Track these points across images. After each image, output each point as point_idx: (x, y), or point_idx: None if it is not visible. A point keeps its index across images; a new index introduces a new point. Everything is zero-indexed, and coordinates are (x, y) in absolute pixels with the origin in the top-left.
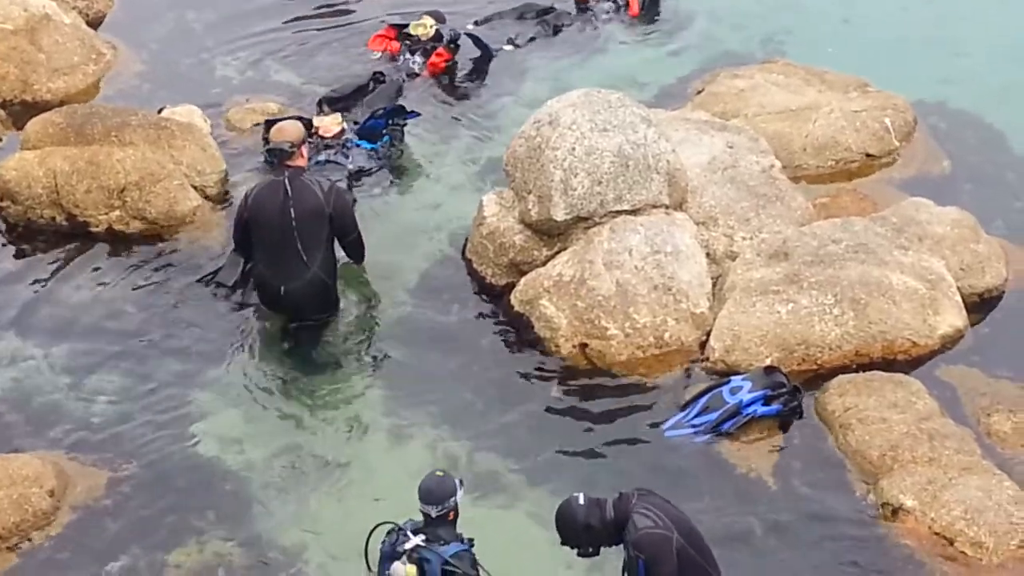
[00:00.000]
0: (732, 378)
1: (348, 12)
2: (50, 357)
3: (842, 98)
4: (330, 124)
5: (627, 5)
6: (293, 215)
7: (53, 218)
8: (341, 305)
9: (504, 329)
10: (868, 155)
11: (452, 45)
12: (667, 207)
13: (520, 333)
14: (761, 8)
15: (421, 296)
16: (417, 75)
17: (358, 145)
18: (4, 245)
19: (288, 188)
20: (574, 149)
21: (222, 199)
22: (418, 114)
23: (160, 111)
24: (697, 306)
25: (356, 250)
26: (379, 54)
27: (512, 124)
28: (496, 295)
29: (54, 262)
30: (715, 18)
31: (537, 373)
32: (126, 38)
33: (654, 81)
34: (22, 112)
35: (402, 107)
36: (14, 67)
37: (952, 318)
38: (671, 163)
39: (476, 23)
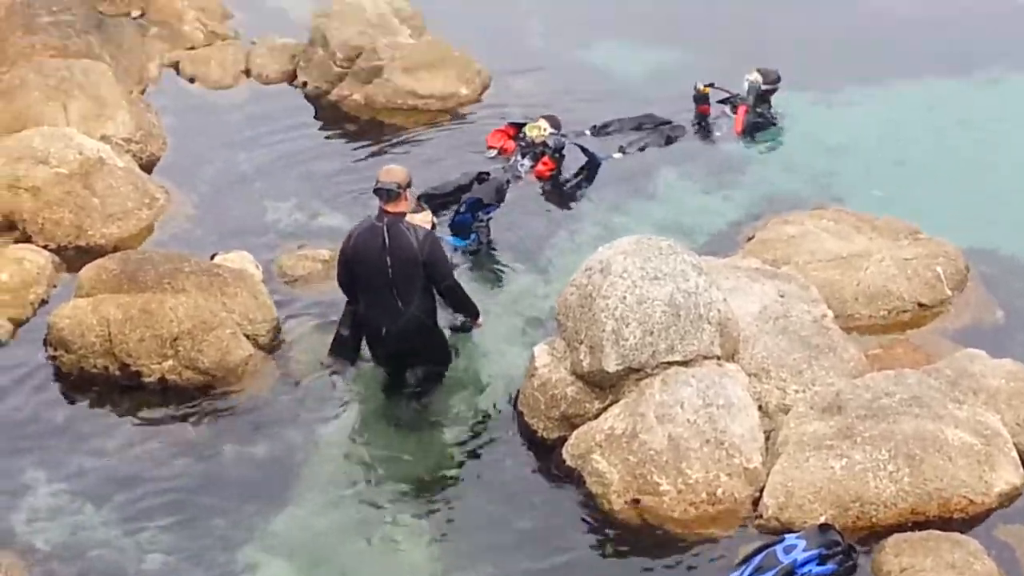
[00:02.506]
0: (786, 536)
1: (394, 155)
2: (103, 510)
3: (893, 245)
4: (420, 221)
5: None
6: (389, 262)
7: (106, 368)
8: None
9: (556, 483)
10: (920, 304)
11: (557, 154)
12: (719, 358)
13: (572, 488)
14: (810, 152)
15: (472, 449)
16: (521, 178)
17: (449, 242)
18: (58, 395)
19: (386, 234)
20: (625, 298)
21: (274, 348)
22: (496, 206)
23: (212, 257)
24: (750, 461)
25: (454, 299)
26: (494, 151)
27: (563, 271)
28: (548, 448)
29: (107, 413)
30: (765, 162)
31: (589, 528)
32: (179, 181)
33: (705, 227)
34: (76, 257)
35: (480, 200)
36: (69, 212)
37: (1009, 475)
38: (722, 312)
39: (594, 128)
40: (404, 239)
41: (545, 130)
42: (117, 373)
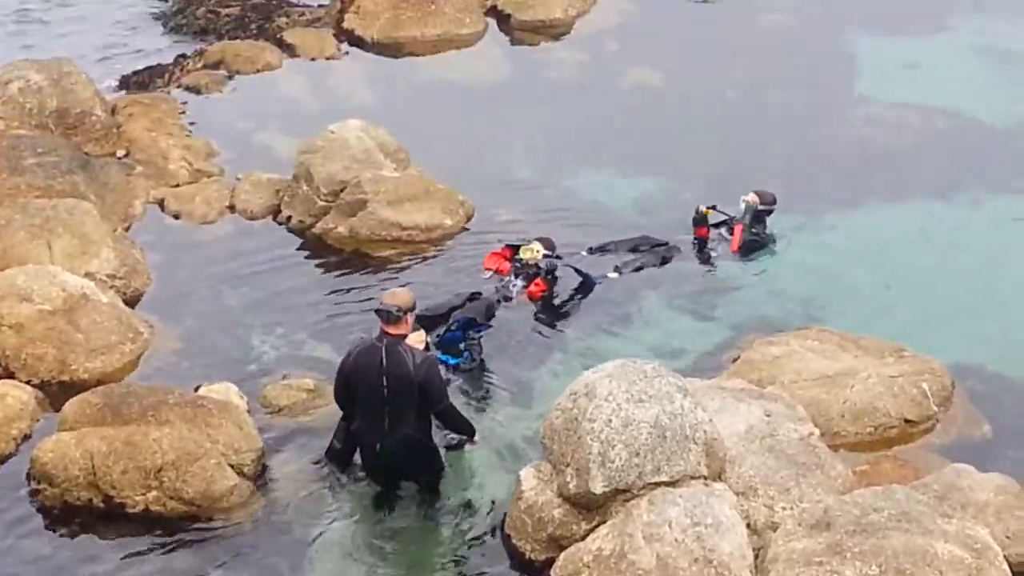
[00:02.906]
0: None
1: (378, 286)
2: None
3: (878, 363)
4: (414, 340)
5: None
6: (385, 382)
7: (90, 500)
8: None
9: None
10: (907, 421)
11: (549, 276)
12: (706, 478)
13: None
14: (792, 275)
15: (460, 573)
16: (512, 299)
17: (443, 361)
18: (41, 527)
19: (384, 355)
20: (611, 421)
21: (259, 478)
22: (489, 326)
23: (197, 389)
24: None
25: (448, 421)
26: (490, 273)
27: (549, 394)
28: (536, 571)
29: (91, 545)
30: (749, 284)
31: None
32: (163, 316)
33: (689, 349)
34: (59, 392)
35: (473, 319)
36: (52, 348)
37: None
38: (708, 433)
39: (590, 250)
40: (401, 361)
41: (538, 252)
42: (101, 505)
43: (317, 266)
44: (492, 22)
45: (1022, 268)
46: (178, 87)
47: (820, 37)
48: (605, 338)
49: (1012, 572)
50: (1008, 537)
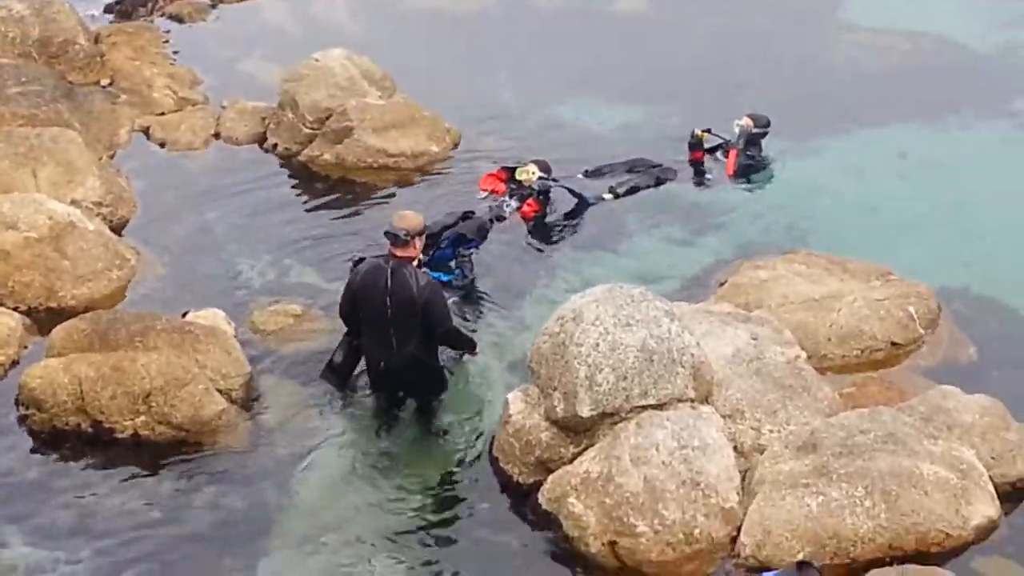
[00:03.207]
0: (765, 574)
1: (364, 212)
2: (76, 565)
3: (865, 287)
4: None
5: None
6: (389, 303)
7: (78, 425)
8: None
9: (533, 528)
10: (893, 343)
11: (542, 196)
12: (693, 401)
13: (549, 531)
14: (780, 199)
15: (448, 495)
16: (505, 219)
17: (434, 278)
18: (29, 453)
19: (389, 276)
20: (598, 345)
21: (247, 402)
22: (479, 242)
23: (184, 315)
24: (727, 501)
25: (452, 341)
26: (485, 194)
27: (535, 320)
28: (524, 494)
29: (80, 469)
30: (737, 209)
31: (567, 572)
32: (150, 243)
33: (676, 274)
34: (47, 319)
35: (463, 235)
36: (39, 275)
37: (985, 508)
38: (696, 356)
39: (586, 172)
40: (405, 283)
41: (534, 174)
42: (89, 430)
43: (303, 193)
44: None
45: (1007, 191)
46: (161, 16)
47: None
48: (593, 262)
49: (997, 492)
50: (993, 458)
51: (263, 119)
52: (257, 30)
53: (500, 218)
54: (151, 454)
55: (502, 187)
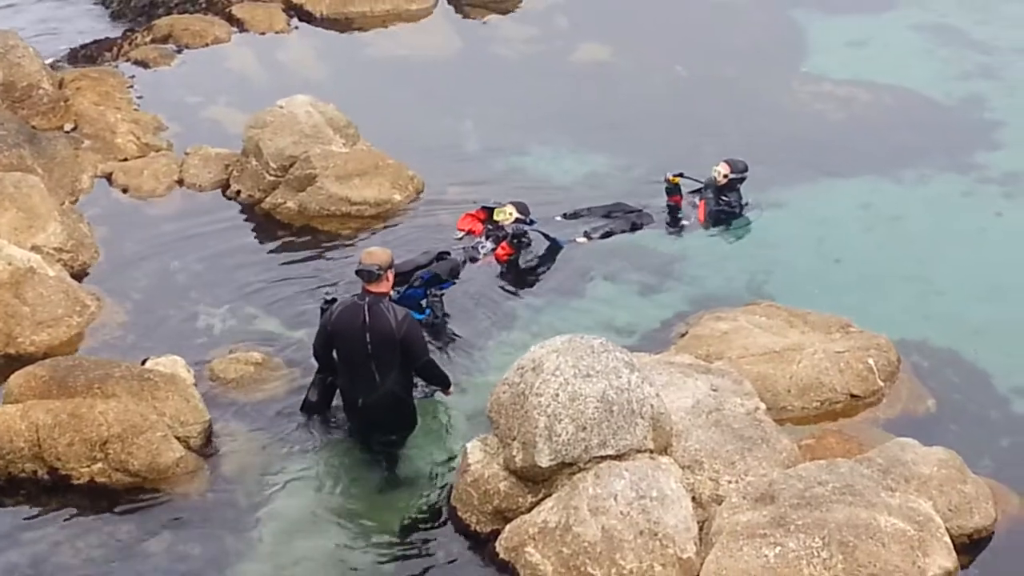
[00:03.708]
0: None
1: (327, 261)
2: None
3: (825, 339)
4: None
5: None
6: (369, 339)
7: (35, 472)
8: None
9: None
10: (852, 395)
11: (515, 241)
12: (652, 452)
13: None
14: (741, 251)
15: (406, 543)
16: (477, 260)
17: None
18: None
19: (367, 313)
20: (558, 395)
21: (206, 450)
22: (453, 282)
23: (143, 362)
24: (684, 551)
25: (428, 375)
26: (462, 233)
27: (494, 369)
28: (482, 542)
29: (36, 516)
30: (699, 259)
31: None
32: (110, 289)
33: (637, 325)
34: (5, 365)
35: (437, 276)
36: None
37: (942, 560)
38: (655, 408)
39: (564, 215)
40: (383, 318)
41: (511, 215)
42: (46, 477)
43: (266, 241)
44: None
45: (966, 244)
46: (126, 61)
47: (768, 13)
48: (557, 309)
49: (954, 544)
50: (950, 510)
51: (226, 166)
52: (222, 76)
53: (474, 259)
54: (108, 501)
55: (479, 227)
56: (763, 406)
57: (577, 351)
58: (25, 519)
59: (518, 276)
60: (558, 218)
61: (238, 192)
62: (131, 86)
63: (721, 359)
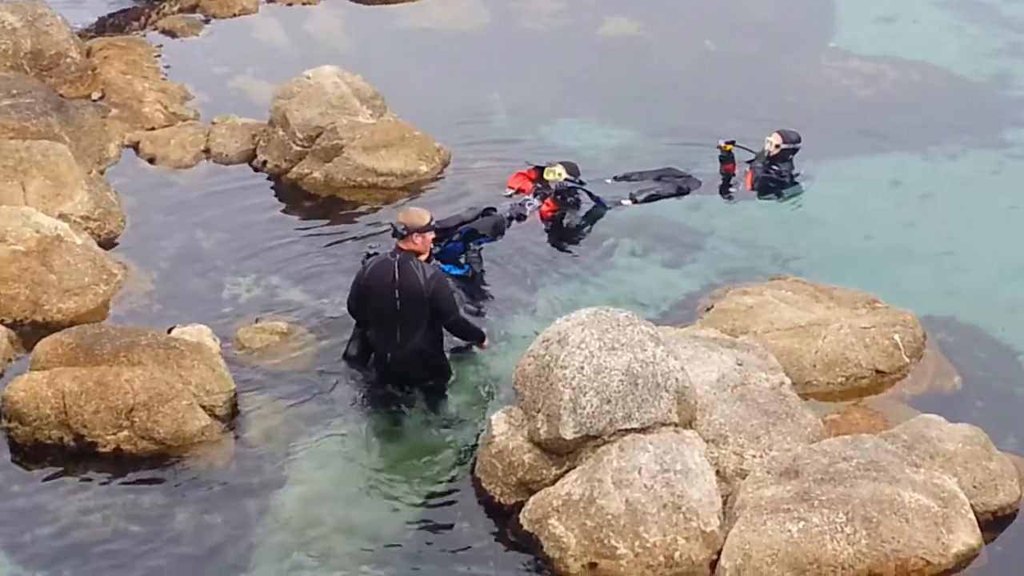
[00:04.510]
0: None
1: (352, 231)
2: None
3: (851, 314)
4: None
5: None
6: (398, 295)
7: (61, 439)
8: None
9: (513, 548)
10: (878, 371)
11: (559, 197)
12: (676, 425)
13: (529, 552)
14: (768, 225)
15: (431, 514)
16: (525, 217)
17: (443, 270)
18: (11, 465)
19: (396, 270)
20: (583, 368)
21: (231, 419)
22: (491, 238)
23: (169, 331)
24: (708, 525)
25: (459, 331)
26: (511, 191)
27: (522, 341)
28: (505, 514)
29: (61, 483)
30: (723, 235)
31: None
32: (137, 258)
33: (663, 298)
34: (32, 333)
35: (474, 231)
36: (25, 288)
37: (966, 536)
38: (680, 381)
39: (615, 178)
40: (412, 275)
41: (560, 174)
42: (72, 444)
43: (291, 211)
44: None
45: (995, 221)
46: (154, 30)
47: None
48: (583, 281)
49: (978, 521)
50: (975, 487)
51: (253, 136)
52: (249, 46)
53: (521, 216)
54: (133, 469)
55: (529, 186)
56: (788, 381)
57: (602, 324)
58: (52, 486)
59: (560, 236)
60: (609, 180)
61: (264, 162)
62: (158, 55)
63: (746, 333)
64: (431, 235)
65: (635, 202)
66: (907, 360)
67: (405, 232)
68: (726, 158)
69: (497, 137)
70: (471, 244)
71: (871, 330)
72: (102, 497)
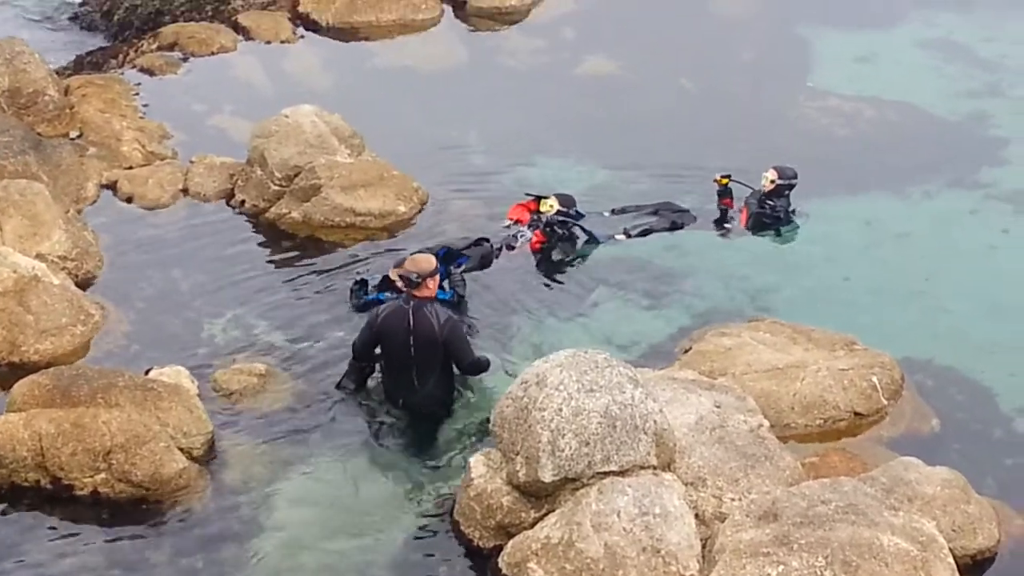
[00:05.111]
0: None
1: (331, 272)
2: None
3: (829, 356)
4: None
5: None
6: (412, 343)
7: (38, 481)
8: None
9: None
10: (856, 413)
11: (548, 229)
12: (655, 468)
13: None
14: (746, 267)
15: (409, 558)
16: (514, 248)
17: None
18: None
19: (411, 318)
20: (561, 410)
21: (209, 461)
22: (467, 257)
23: (147, 372)
24: (687, 569)
25: (473, 372)
26: (510, 222)
27: (498, 385)
28: (484, 557)
29: (38, 526)
30: (701, 275)
31: None
32: (115, 298)
33: (641, 340)
34: (8, 374)
35: (450, 250)
36: (2, 328)
37: None
38: (659, 423)
39: (612, 211)
40: (427, 322)
41: (552, 207)
42: (48, 486)
43: (270, 251)
44: (448, 8)
45: (972, 261)
46: (132, 68)
47: (774, 28)
48: (562, 321)
49: (958, 565)
50: (954, 530)
51: (231, 175)
52: (227, 84)
53: (510, 247)
54: (110, 512)
55: (527, 217)
56: (766, 423)
57: (581, 366)
58: (28, 529)
59: (544, 271)
60: (606, 214)
61: (243, 202)
62: (137, 93)
63: (725, 375)
64: (438, 277)
65: (629, 236)
66: (885, 402)
67: (419, 280)
68: (724, 192)
69: (475, 175)
70: (451, 268)
71: (849, 372)
72: (79, 540)
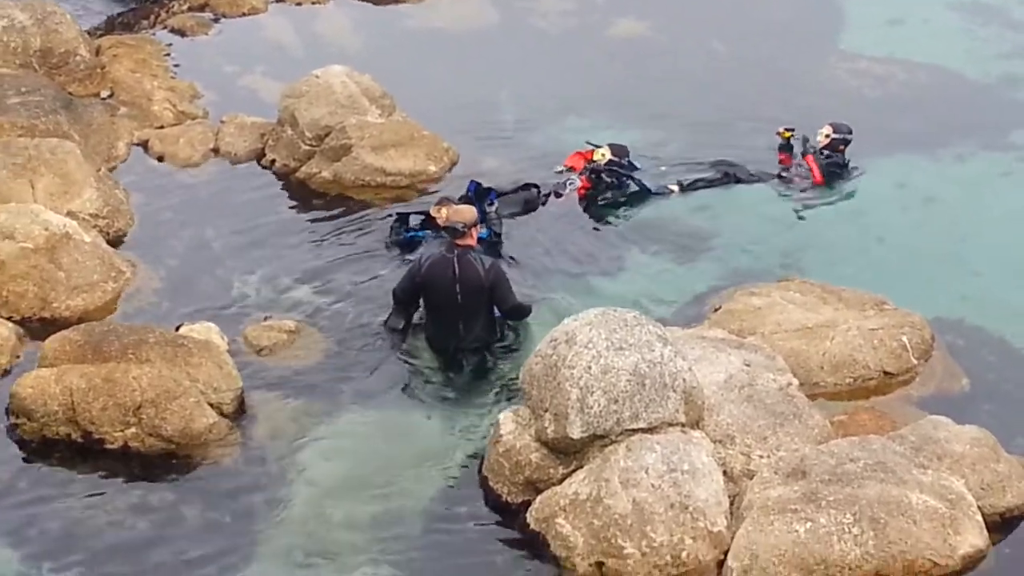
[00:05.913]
0: None
1: (361, 231)
2: (64, 573)
3: (859, 316)
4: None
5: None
6: (459, 290)
7: (68, 435)
8: None
9: (520, 547)
10: (886, 373)
11: (593, 176)
12: (683, 425)
13: (536, 551)
14: (776, 226)
15: (437, 513)
16: (561, 195)
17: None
18: (19, 461)
19: (456, 265)
20: (590, 368)
21: (238, 417)
22: (496, 193)
23: (177, 328)
24: (715, 525)
25: (515, 316)
26: (563, 169)
27: (528, 342)
28: (512, 513)
29: (69, 479)
30: (732, 236)
31: None
32: (145, 256)
33: (671, 299)
34: (40, 330)
35: (479, 185)
36: (33, 285)
37: (973, 538)
38: (687, 381)
39: (680, 187)
40: (472, 269)
41: (604, 156)
42: (79, 440)
43: (300, 210)
44: None
45: (1004, 224)
46: (163, 29)
47: None
48: (592, 279)
49: (986, 523)
50: (983, 488)
51: (262, 135)
52: (258, 45)
53: (558, 194)
54: (140, 466)
55: (580, 165)
56: (796, 382)
57: (610, 324)
58: (59, 483)
59: (588, 219)
60: (663, 167)
61: (273, 161)
62: (168, 54)
63: (754, 334)
64: (479, 224)
65: (682, 188)
66: (915, 362)
67: (465, 229)
68: (785, 146)
69: (506, 135)
70: (485, 205)
71: (879, 332)
72: (109, 494)
